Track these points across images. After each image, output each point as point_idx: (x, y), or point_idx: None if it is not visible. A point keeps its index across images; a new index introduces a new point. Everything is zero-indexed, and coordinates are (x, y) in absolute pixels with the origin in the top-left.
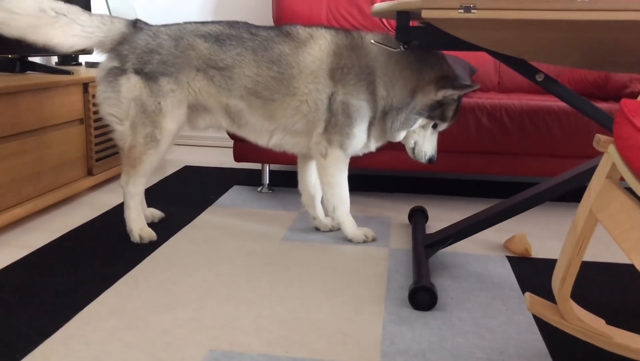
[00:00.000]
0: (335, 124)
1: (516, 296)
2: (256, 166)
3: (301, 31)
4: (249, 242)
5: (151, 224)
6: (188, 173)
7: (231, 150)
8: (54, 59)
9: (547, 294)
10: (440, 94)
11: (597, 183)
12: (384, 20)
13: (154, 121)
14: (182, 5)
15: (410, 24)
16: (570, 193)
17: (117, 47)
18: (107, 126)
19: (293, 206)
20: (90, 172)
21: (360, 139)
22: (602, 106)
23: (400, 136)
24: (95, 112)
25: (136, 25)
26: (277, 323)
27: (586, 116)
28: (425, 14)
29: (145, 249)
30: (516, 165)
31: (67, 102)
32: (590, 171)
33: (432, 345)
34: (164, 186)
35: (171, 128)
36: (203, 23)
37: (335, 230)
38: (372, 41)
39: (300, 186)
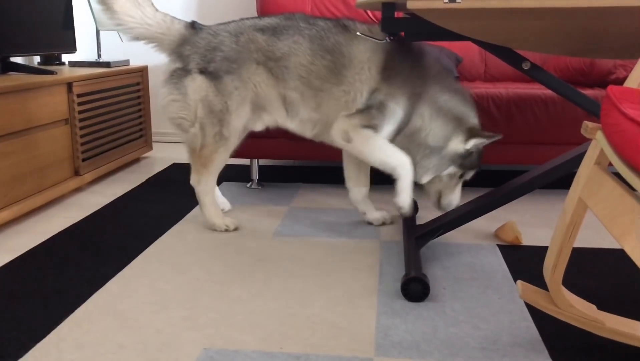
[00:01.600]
0: (366, 113)
1: (508, 285)
2: (245, 161)
3: (359, 26)
4: (240, 238)
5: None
6: (176, 171)
7: None
8: (36, 59)
9: (539, 281)
10: (471, 143)
11: (586, 169)
12: (368, 11)
13: (222, 119)
14: (165, 3)
15: (396, 15)
16: (559, 180)
17: (177, 49)
18: (92, 125)
19: (283, 201)
20: (77, 173)
21: (386, 135)
22: (588, 92)
23: (427, 178)
24: (81, 112)
25: (194, 26)
26: (271, 319)
27: (572, 102)
28: (410, 4)
29: (135, 249)
30: (504, 153)
31: (51, 102)
32: (578, 158)
33: (426, 336)
34: (153, 184)
35: (238, 126)
36: (260, 18)
37: (389, 224)
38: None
39: (347, 182)
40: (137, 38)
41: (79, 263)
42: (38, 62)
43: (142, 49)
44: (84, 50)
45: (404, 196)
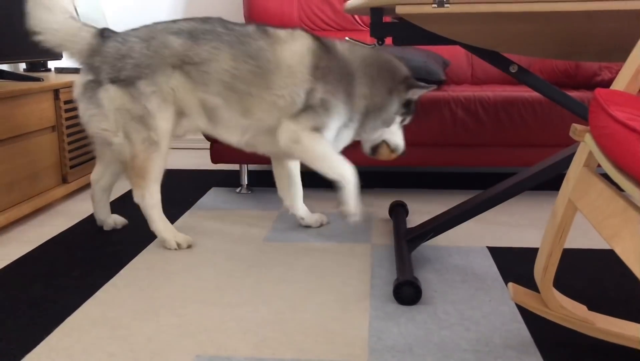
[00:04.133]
0: (312, 112)
1: (499, 287)
2: (234, 167)
3: (279, 30)
4: (231, 244)
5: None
6: (165, 176)
7: (208, 152)
8: (22, 66)
9: (530, 283)
10: (411, 93)
11: (575, 171)
12: (356, 17)
13: (146, 124)
14: (152, 6)
15: (384, 20)
16: (549, 182)
17: (88, 60)
18: (80, 132)
19: (273, 206)
20: (64, 180)
21: (333, 134)
22: (574, 94)
23: (376, 134)
24: (68, 119)
25: (103, 34)
26: (263, 325)
27: (559, 105)
28: (399, 9)
29: (124, 257)
30: (493, 156)
31: (38, 109)
32: (567, 160)
33: (418, 339)
34: None
35: (165, 127)
36: (174, 21)
37: (325, 224)
38: (347, 38)
39: (280, 192)
40: (47, 44)
41: (68, 271)
42: (24, 69)
43: None
44: None
45: (351, 204)
